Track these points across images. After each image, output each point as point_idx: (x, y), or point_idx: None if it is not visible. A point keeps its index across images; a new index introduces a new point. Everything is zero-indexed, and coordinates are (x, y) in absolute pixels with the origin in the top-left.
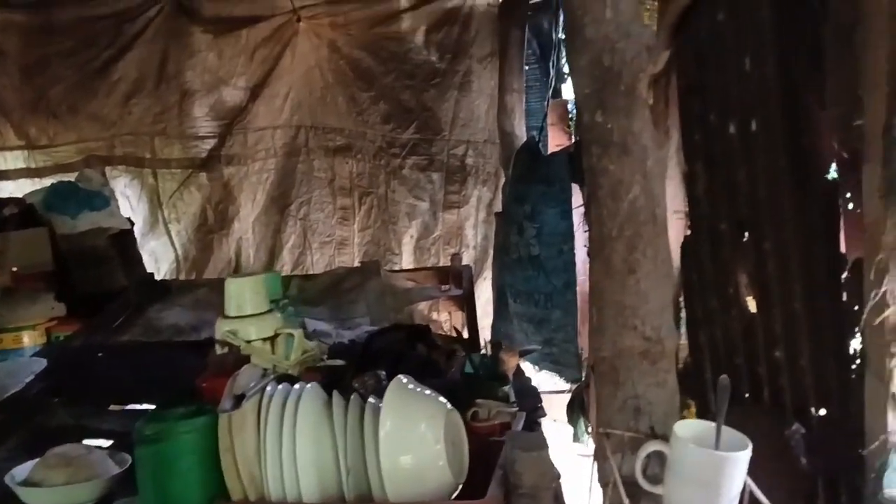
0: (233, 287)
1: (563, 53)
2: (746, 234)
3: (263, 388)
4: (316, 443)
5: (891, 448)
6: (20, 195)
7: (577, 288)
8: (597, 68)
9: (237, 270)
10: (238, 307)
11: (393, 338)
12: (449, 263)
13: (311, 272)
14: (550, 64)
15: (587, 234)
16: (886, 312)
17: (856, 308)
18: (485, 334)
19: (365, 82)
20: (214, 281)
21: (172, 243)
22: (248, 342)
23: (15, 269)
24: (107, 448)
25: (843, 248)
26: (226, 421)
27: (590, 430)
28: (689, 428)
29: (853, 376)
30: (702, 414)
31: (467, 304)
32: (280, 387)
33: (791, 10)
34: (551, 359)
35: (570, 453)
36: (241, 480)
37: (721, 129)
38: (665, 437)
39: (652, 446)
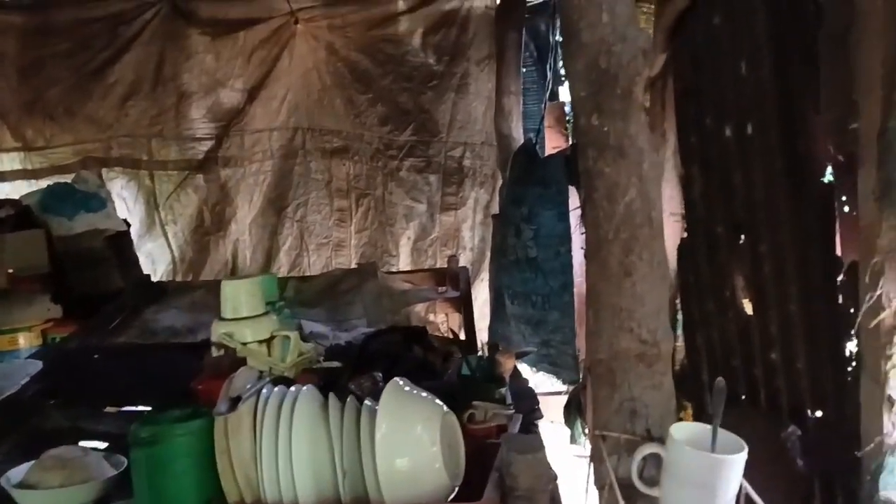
0: (228, 289)
1: (561, 56)
2: (742, 236)
3: (259, 391)
4: (312, 445)
5: (886, 450)
6: (16, 197)
7: (575, 290)
8: (593, 72)
9: (234, 272)
10: (234, 309)
11: (389, 339)
12: (446, 265)
13: (307, 274)
14: (547, 66)
15: (584, 235)
16: (882, 315)
17: (851, 311)
18: (482, 336)
19: (362, 84)
20: (211, 283)
21: (169, 245)
22: (245, 344)
23: (11, 270)
24: (103, 450)
25: (838, 251)
26: (222, 424)
27: (587, 431)
28: (685, 430)
29: (849, 378)
30: (699, 415)
31: (464, 305)
32: (276, 389)
33: (786, 14)
34: (549, 360)
35: (567, 455)
36: (238, 483)
37: (717, 133)
38: (661, 440)
39: (648, 449)
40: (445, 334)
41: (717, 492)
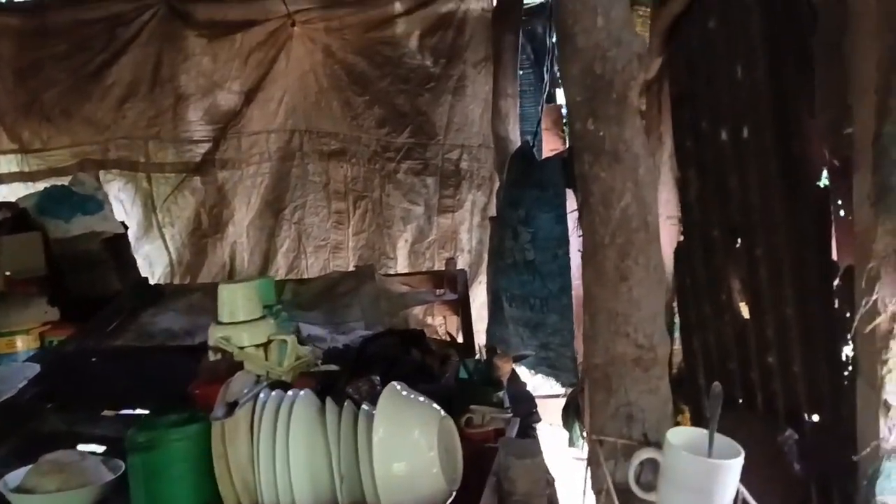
0: (225, 293)
1: (557, 59)
2: (739, 240)
3: (257, 395)
4: (309, 450)
5: (883, 455)
6: (13, 199)
7: (573, 292)
8: (588, 76)
9: (231, 275)
10: (231, 313)
11: (387, 342)
12: (444, 267)
13: (305, 276)
14: (544, 69)
15: (581, 238)
16: (878, 320)
17: (847, 315)
18: (480, 339)
19: (359, 87)
20: (209, 285)
21: (166, 247)
22: (242, 348)
23: (8, 273)
24: (100, 454)
25: (834, 255)
26: (219, 428)
27: (585, 434)
28: (681, 435)
29: (845, 382)
30: (696, 419)
31: (462, 308)
32: (273, 393)
33: (781, 17)
34: (548, 363)
35: (566, 457)
36: (235, 488)
37: (713, 136)
38: (658, 444)
39: (645, 453)
40: (443, 337)
41: (714, 496)
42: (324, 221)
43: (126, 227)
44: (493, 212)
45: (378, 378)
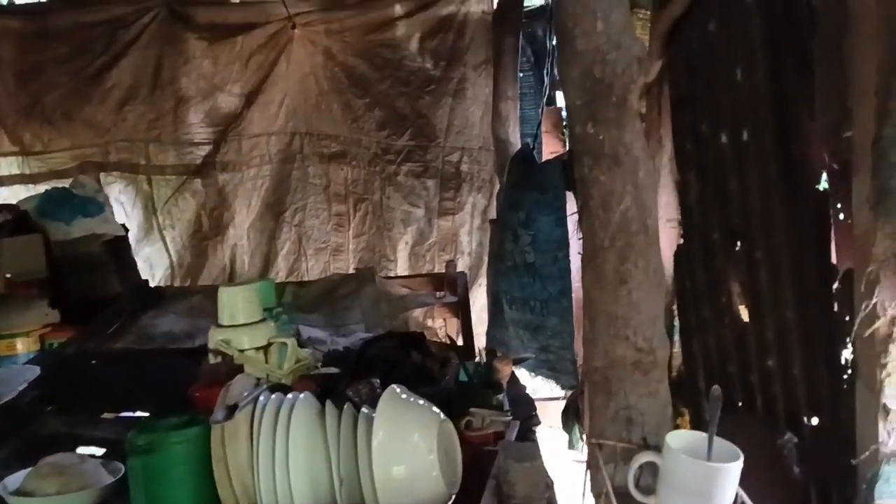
0: (225, 296)
1: (556, 62)
2: (738, 243)
3: (256, 399)
4: (309, 453)
5: (882, 458)
6: (14, 201)
7: (573, 295)
8: (588, 80)
9: (232, 277)
10: (231, 316)
11: (387, 345)
12: (444, 270)
13: (305, 279)
14: (545, 71)
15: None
16: (877, 324)
17: (847, 318)
18: (480, 341)
19: (360, 89)
20: (209, 288)
21: (167, 250)
22: (242, 351)
23: (9, 275)
24: (100, 457)
25: (834, 259)
26: (218, 431)
27: (584, 437)
28: (681, 439)
29: (844, 386)
30: (696, 422)
31: (462, 311)
32: (273, 396)
33: (781, 20)
34: (548, 366)
35: (565, 460)
36: (234, 491)
37: (713, 139)
38: (657, 448)
39: (644, 457)
40: (443, 340)
41: (714, 500)
42: (324, 224)
43: (126, 230)
44: (493, 214)
45: (378, 381)
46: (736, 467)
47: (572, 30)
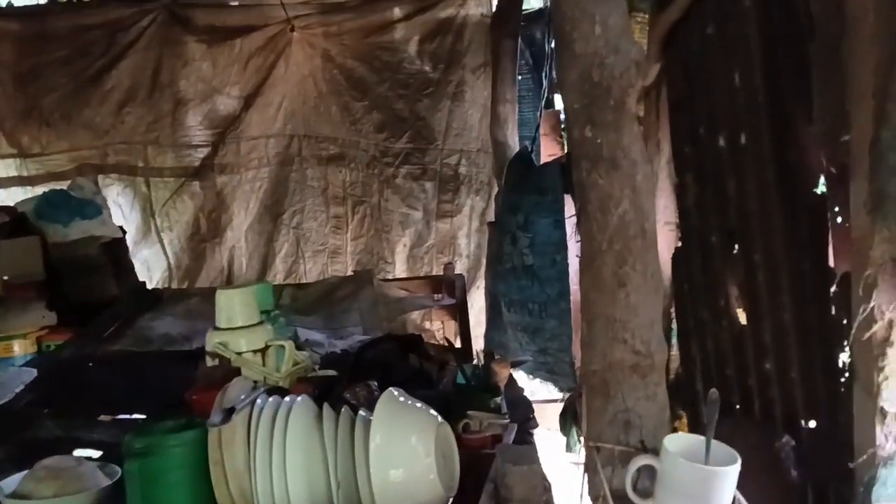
0: (223, 299)
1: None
2: (736, 246)
3: (253, 401)
4: (306, 456)
5: (879, 462)
6: (12, 203)
7: (572, 297)
8: (586, 83)
9: (230, 279)
10: (228, 319)
11: (385, 348)
12: (442, 272)
13: (303, 281)
14: (543, 74)
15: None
16: (875, 328)
17: (844, 321)
18: (478, 344)
19: (358, 92)
20: (207, 290)
21: (165, 252)
22: (239, 354)
23: (6, 277)
24: (97, 460)
25: (831, 262)
26: (215, 435)
27: (582, 439)
28: (678, 442)
29: (842, 389)
30: (693, 424)
31: (460, 313)
32: (270, 400)
33: (779, 24)
34: (546, 368)
35: (563, 463)
36: (231, 494)
37: (711, 142)
38: (655, 451)
39: (642, 460)
40: (441, 342)
41: (711, 503)
42: (322, 226)
43: (124, 232)
44: (491, 217)
45: (376, 383)
46: (733, 470)
47: (570, 33)
